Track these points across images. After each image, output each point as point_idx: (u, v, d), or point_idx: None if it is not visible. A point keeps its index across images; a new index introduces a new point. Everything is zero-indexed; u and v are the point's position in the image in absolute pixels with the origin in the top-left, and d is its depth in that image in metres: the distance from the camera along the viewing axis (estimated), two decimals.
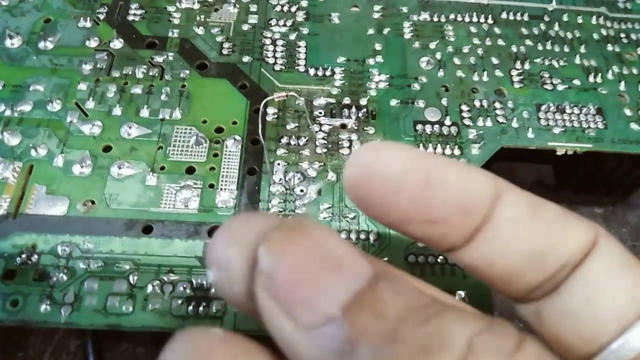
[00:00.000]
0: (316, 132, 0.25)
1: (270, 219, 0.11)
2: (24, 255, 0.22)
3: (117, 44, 0.28)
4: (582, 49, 0.30)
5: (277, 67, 0.28)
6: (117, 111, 0.26)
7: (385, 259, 0.23)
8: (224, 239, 0.11)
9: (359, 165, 0.12)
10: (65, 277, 0.21)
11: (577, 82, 0.28)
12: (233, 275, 0.10)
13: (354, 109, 0.27)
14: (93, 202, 0.23)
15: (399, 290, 0.10)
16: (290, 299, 0.09)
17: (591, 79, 0.28)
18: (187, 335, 0.10)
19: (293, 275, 0.09)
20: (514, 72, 0.28)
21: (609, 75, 0.29)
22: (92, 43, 0.28)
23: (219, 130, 0.26)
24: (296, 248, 0.10)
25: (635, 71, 0.29)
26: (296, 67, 0.28)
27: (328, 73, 0.28)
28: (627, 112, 0.27)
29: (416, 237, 0.12)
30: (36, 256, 0.22)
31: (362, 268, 0.10)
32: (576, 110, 0.27)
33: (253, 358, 0.10)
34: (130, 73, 0.27)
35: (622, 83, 0.28)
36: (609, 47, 0.30)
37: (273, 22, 0.29)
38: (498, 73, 0.28)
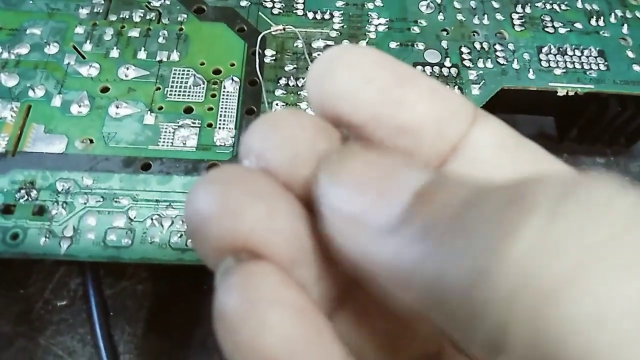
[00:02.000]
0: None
1: (316, 118, 0.10)
2: (22, 191, 0.22)
3: None
4: None
5: (275, 11, 0.27)
6: (115, 53, 0.25)
7: None
8: (268, 127, 0.10)
9: (326, 60, 0.10)
10: (64, 212, 0.21)
11: (578, 25, 0.28)
12: (274, 168, 0.09)
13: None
14: (91, 141, 0.23)
15: (462, 180, 0.09)
16: (357, 211, 0.08)
17: (593, 22, 0.28)
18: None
19: (357, 188, 0.08)
20: (515, 16, 0.28)
21: (612, 19, 0.28)
22: None
23: (217, 72, 0.25)
24: (356, 164, 0.09)
25: (638, 15, 0.29)
26: (294, 11, 0.27)
27: (327, 16, 0.27)
28: (630, 54, 0.27)
29: None
30: (35, 192, 0.22)
31: (422, 171, 0.09)
32: (577, 53, 0.27)
33: (286, 191, 0.09)
34: (127, 17, 0.27)
35: (625, 26, 0.28)
36: None
37: None
38: (499, 16, 0.28)
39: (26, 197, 0.22)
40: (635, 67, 0.27)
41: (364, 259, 0.08)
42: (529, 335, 0.06)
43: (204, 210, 0.08)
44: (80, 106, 0.24)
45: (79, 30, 0.26)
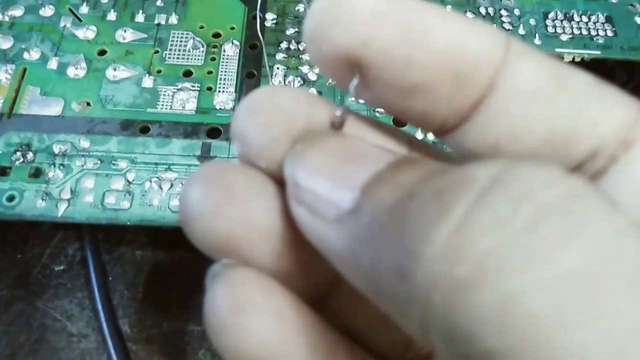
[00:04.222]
0: None
1: (295, 96, 0.09)
2: (18, 153, 0.21)
3: None
4: None
5: None
6: (112, 16, 0.25)
7: None
8: (246, 112, 0.09)
9: (324, 8, 0.09)
10: (61, 174, 0.21)
11: None
12: (255, 152, 0.09)
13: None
14: (88, 104, 0.23)
15: (421, 163, 0.08)
16: (314, 198, 0.08)
17: None
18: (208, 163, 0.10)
19: (314, 177, 0.09)
20: None
21: None
22: None
23: (217, 35, 0.25)
24: (318, 152, 0.09)
25: None
26: None
27: None
28: (638, 20, 0.27)
29: (398, 114, 0.10)
30: (31, 154, 0.21)
31: (382, 154, 0.09)
32: (584, 19, 0.26)
33: (265, 186, 0.09)
34: None
35: None
36: None
37: None
38: None
39: (22, 159, 0.21)
40: None
41: (318, 243, 0.08)
42: (444, 330, 0.06)
43: (188, 210, 0.09)
44: (77, 69, 0.23)
45: None
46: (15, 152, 0.21)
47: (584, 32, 0.26)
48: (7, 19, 0.24)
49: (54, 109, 0.22)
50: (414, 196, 0.07)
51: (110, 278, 0.23)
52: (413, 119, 0.09)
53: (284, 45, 0.25)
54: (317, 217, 0.08)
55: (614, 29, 0.26)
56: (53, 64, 0.23)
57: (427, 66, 0.09)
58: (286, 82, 0.24)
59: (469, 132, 0.09)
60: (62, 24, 0.25)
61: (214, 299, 0.09)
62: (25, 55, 0.24)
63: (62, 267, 0.23)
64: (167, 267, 0.23)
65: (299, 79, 0.24)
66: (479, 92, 0.09)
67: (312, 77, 0.24)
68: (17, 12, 0.25)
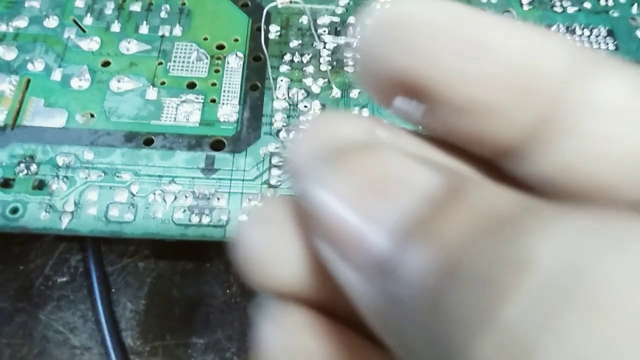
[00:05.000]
0: (321, 49, 0.25)
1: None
2: (22, 165, 0.21)
3: None
4: None
5: None
6: (116, 27, 0.25)
7: None
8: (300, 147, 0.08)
9: (377, 23, 0.08)
10: (64, 187, 0.21)
11: (587, 5, 0.28)
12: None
13: (359, 29, 0.26)
14: (92, 115, 0.23)
15: (471, 200, 0.07)
16: (337, 234, 0.07)
17: (602, 2, 0.28)
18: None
19: (339, 206, 0.07)
20: None
21: None
22: None
23: (220, 47, 0.25)
24: (345, 173, 0.07)
25: None
26: None
27: None
28: (639, 34, 0.27)
29: (455, 137, 0.08)
30: (35, 166, 0.21)
31: (421, 179, 0.07)
32: (586, 32, 0.27)
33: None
34: None
35: (635, 6, 0.28)
36: None
37: None
38: None
39: (26, 171, 0.21)
40: None
41: (343, 285, 0.07)
42: None
43: (246, 252, 0.09)
44: (80, 80, 0.23)
45: (79, 3, 0.25)
46: (19, 163, 0.21)
47: (586, 45, 0.26)
48: (11, 30, 0.24)
49: (58, 120, 0.22)
50: (458, 276, 0.06)
51: (113, 290, 0.22)
52: (471, 142, 0.08)
53: (287, 57, 0.25)
54: (342, 258, 0.07)
55: (615, 42, 0.26)
56: (57, 75, 0.23)
57: (495, 83, 0.07)
58: (290, 94, 0.24)
59: (534, 154, 0.08)
60: (66, 35, 0.25)
61: (259, 335, 0.08)
62: (29, 66, 0.24)
63: (64, 279, 0.23)
64: (170, 279, 0.23)
65: (302, 91, 0.24)
66: (548, 109, 0.07)
67: (316, 89, 0.24)
68: (22, 23, 0.25)
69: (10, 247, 0.23)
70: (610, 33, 0.27)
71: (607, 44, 0.26)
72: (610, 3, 0.28)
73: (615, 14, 0.27)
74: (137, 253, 0.24)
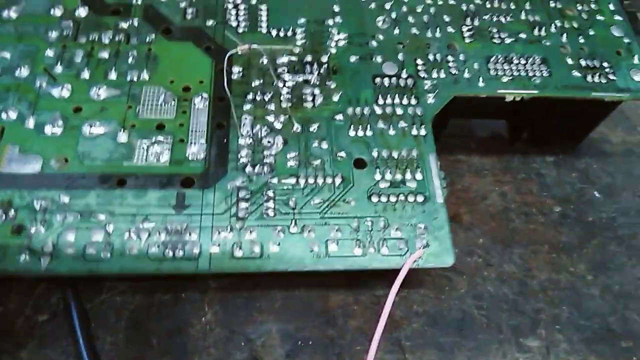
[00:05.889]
0: (281, 87, 0.27)
1: None
2: (0, 211, 0.22)
3: (82, 11, 0.29)
4: (527, 6, 0.32)
5: (240, 30, 0.29)
6: (86, 75, 0.26)
7: (351, 199, 0.24)
8: None
9: None
10: (42, 230, 0.22)
11: (523, 35, 0.30)
12: None
13: (315, 66, 0.28)
14: (67, 160, 0.24)
15: None
16: None
17: (536, 32, 0.30)
18: None
19: None
20: (464, 28, 0.30)
21: (552, 29, 0.31)
22: (57, 12, 0.28)
23: (187, 89, 0.27)
24: None
25: (575, 25, 0.31)
26: (259, 29, 0.29)
27: (289, 33, 0.29)
28: (569, 61, 0.29)
29: None
30: (13, 211, 0.23)
31: None
32: (523, 61, 0.29)
33: None
34: (96, 39, 0.28)
35: (564, 35, 0.30)
36: (552, 3, 0.32)
37: None
38: (450, 29, 0.30)
39: (4, 216, 0.22)
40: (575, 73, 0.29)
41: None
42: None
43: None
44: (54, 127, 0.25)
45: (49, 52, 0.27)
46: None
47: (523, 73, 0.29)
48: None
49: (33, 166, 0.24)
50: None
51: (93, 325, 0.24)
52: None
53: (250, 96, 0.27)
54: None
55: (549, 69, 0.29)
56: (30, 122, 0.25)
57: None
58: (254, 131, 0.26)
59: None
60: (37, 84, 0.26)
61: None
62: (3, 115, 0.25)
63: (45, 317, 0.24)
64: (147, 311, 0.24)
65: (265, 127, 0.26)
66: None
67: (278, 125, 0.26)
68: None
69: None
70: (544, 61, 0.29)
71: (542, 71, 0.29)
72: (543, 33, 0.30)
73: (548, 43, 0.30)
74: (114, 288, 0.25)
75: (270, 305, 0.25)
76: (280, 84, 0.27)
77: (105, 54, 0.27)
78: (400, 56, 0.29)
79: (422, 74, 0.28)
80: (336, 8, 0.30)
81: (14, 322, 0.23)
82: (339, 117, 0.26)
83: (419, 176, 0.25)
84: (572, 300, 0.27)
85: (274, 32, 0.29)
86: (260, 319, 0.25)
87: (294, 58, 0.28)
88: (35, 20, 0.28)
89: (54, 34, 0.27)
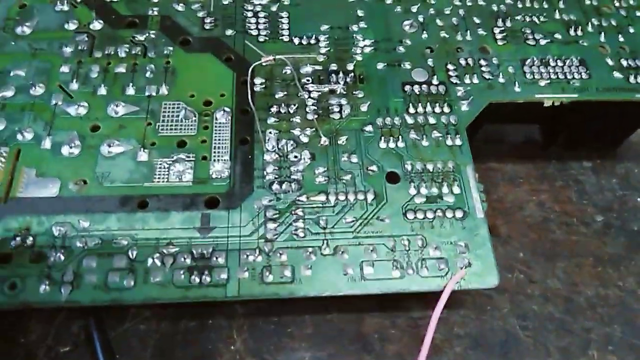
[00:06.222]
0: (306, 98, 0.25)
1: None
2: (18, 238, 0.21)
3: (97, 25, 0.27)
4: (561, 4, 0.30)
5: (260, 39, 0.28)
6: (102, 91, 0.25)
7: (385, 216, 0.23)
8: None
9: None
10: (62, 257, 0.21)
11: (558, 36, 0.29)
12: None
13: (341, 75, 0.26)
14: (85, 182, 0.23)
15: None
16: None
17: (572, 32, 0.29)
18: None
19: None
20: (496, 30, 0.29)
21: (589, 28, 0.29)
22: (71, 26, 0.27)
23: (208, 103, 0.25)
24: None
25: (613, 22, 0.29)
26: (280, 37, 0.28)
27: (312, 41, 0.28)
28: (609, 61, 0.28)
29: None
30: (31, 238, 0.21)
31: None
32: (560, 63, 0.28)
33: None
34: (112, 53, 0.27)
35: (602, 34, 0.29)
36: (587, 1, 0.30)
37: None
38: (481, 31, 0.29)
39: (22, 244, 0.21)
40: (616, 74, 0.27)
41: None
42: None
43: None
44: (71, 147, 0.24)
45: (65, 69, 0.26)
46: (14, 237, 0.21)
47: (561, 76, 0.27)
48: None
49: (51, 189, 0.23)
50: None
51: (117, 356, 0.22)
52: None
53: (274, 109, 0.25)
54: None
55: (588, 71, 0.27)
56: (47, 143, 0.24)
57: None
58: (279, 146, 0.24)
59: None
60: (53, 102, 0.25)
61: None
62: (19, 136, 0.24)
63: (67, 348, 0.23)
64: (172, 339, 0.23)
65: (291, 142, 0.24)
66: None
67: (304, 139, 0.24)
68: (8, 92, 0.25)
69: (9, 319, 0.23)
70: (582, 62, 0.28)
71: (580, 73, 0.27)
72: (580, 33, 0.29)
73: (585, 43, 0.28)
74: (138, 315, 0.24)
75: (301, 330, 0.24)
76: (305, 95, 0.26)
77: (122, 69, 0.26)
78: (429, 62, 0.27)
79: (454, 80, 0.27)
80: (360, 13, 0.29)
81: (35, 354, 0.22)
82: (369, 128, 0.25)
83: (456, 189, 0.24)
84: (623, 317, 0.25)
85: (296, 41, 0.28)
86: (292, 345, 0.23)
87: (318, 67, 0.27)
88: (49, 36, 0.27)
89: (68, 50, 0.26)
